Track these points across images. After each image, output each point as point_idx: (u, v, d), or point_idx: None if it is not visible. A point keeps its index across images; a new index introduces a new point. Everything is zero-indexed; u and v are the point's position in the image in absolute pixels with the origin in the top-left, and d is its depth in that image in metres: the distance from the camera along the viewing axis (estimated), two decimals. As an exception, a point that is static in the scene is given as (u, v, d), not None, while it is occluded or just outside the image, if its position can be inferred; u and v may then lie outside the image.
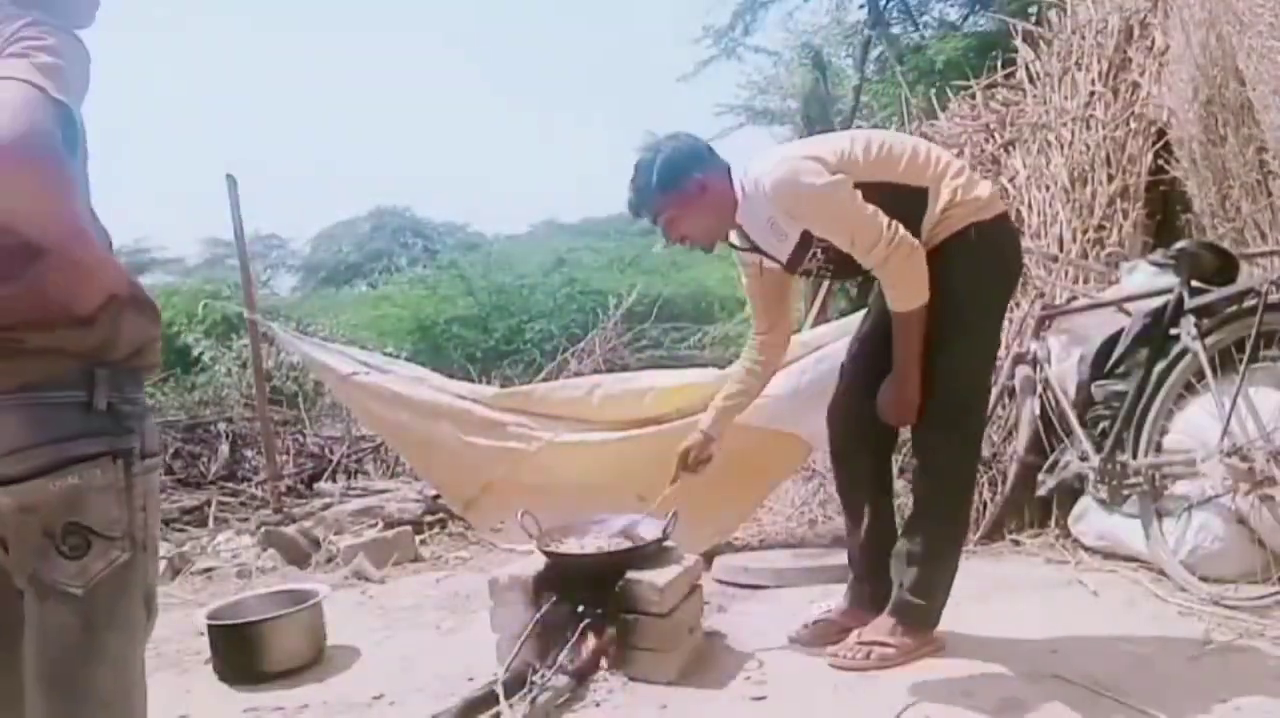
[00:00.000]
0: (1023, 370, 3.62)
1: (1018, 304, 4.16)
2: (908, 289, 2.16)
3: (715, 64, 13.80)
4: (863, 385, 2.39)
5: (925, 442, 2.30)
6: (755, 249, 2.43)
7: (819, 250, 2.28)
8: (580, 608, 2.32)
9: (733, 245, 2.50)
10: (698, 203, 2.31)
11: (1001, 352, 3.96)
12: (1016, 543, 3.48)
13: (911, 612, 2.33)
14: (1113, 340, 3.33)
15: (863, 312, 2.86)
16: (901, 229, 2.13)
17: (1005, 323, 4.11)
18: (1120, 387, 3.17)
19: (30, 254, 1.08)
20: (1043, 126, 4.77)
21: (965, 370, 2.28)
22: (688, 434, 3.42)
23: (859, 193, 2.15)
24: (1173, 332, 2.89)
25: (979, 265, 2.21)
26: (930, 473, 2.33)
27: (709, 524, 3.56)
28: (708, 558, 3.22)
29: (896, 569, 2.36)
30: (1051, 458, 3.46)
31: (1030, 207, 4.54)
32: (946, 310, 2.17)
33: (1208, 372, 2.69)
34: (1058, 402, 3.39)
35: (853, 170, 2.18)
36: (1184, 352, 2.81)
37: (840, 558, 3.24)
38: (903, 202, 2.19)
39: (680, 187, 2.29)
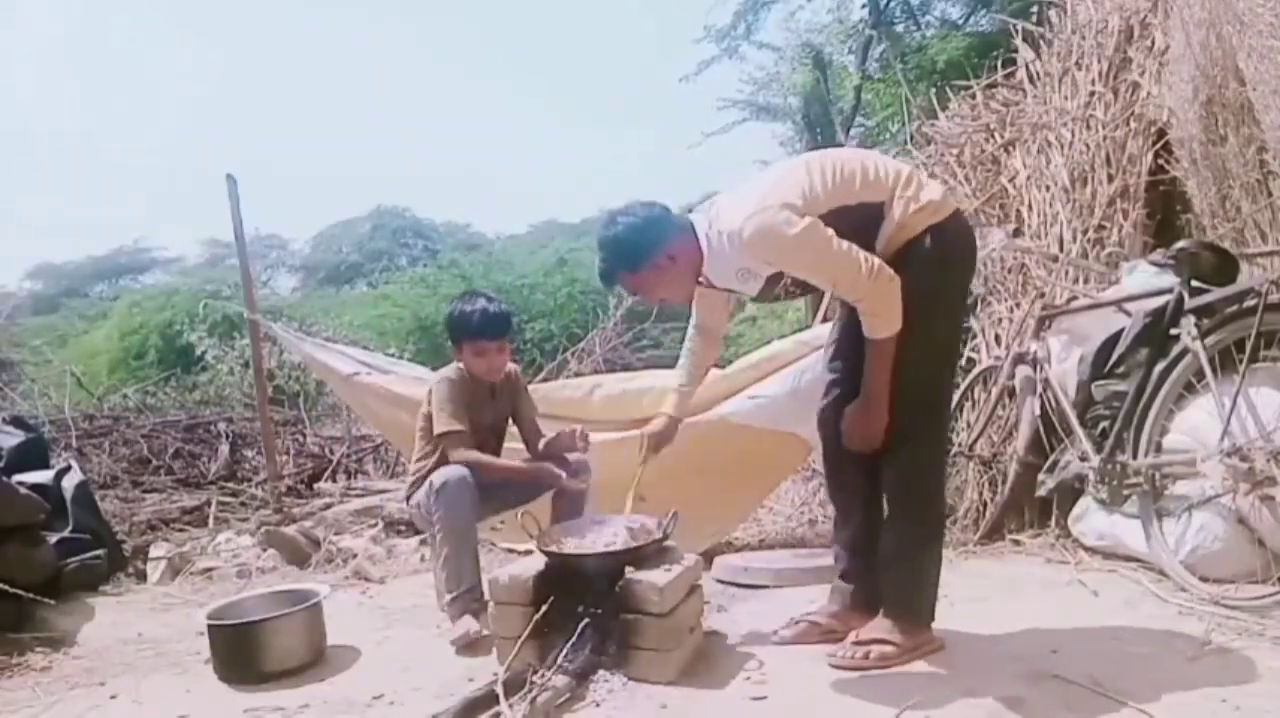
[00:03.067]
0: (1023, 370, 3.62)
1: (1017, 305, 4.16)
2: (885, 318, 2.18)
3: (717, 62, 13.81)
4: (849, 392, 2.39)
5: (893, 442, 2.31)
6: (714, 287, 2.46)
7: (789, 280, 2.31)
8: (580, 608, 2.32)
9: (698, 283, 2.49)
10: (667, 273, 2.34)
11: (1001, 351, 3.98)
12: (1016, 543, 3.48)
13: (902, 611, 2.35)
14: (1113, 340, 3.33)
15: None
16: (877, 261, 2.16)
17: (1006, 323, 4.14)
18: (1120, 387, 3.17)
19: None
20: (1043, 126, 4.78)
21: (929, 369, 2.30)
22: (688, 434, 3.44)
23: (831, 231, 2.16)
24: (1173, 332, 2.89)
25: (936, 268, 2.23)
26: (900, 473, 2.34)
27: (709, 524, 3.56)
28: (708, 558, 3.22)
29: (882, 571, 2.38)
30: (1051, 458, 3.46)
31: (1030, 207, 4.54)
32: (908, 314, 2.18)
33: (1208, 372, 2.69)
34: (1058, 402, 3.39)
35: (817, 206, 2.20)
36: (1184, 352, 2.81)
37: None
38: (862, 217, 2.23)
39: (648, 263, 2.31)
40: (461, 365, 2.97)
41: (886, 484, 2.36)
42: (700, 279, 2.42)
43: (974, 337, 4.25)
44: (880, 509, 2.43)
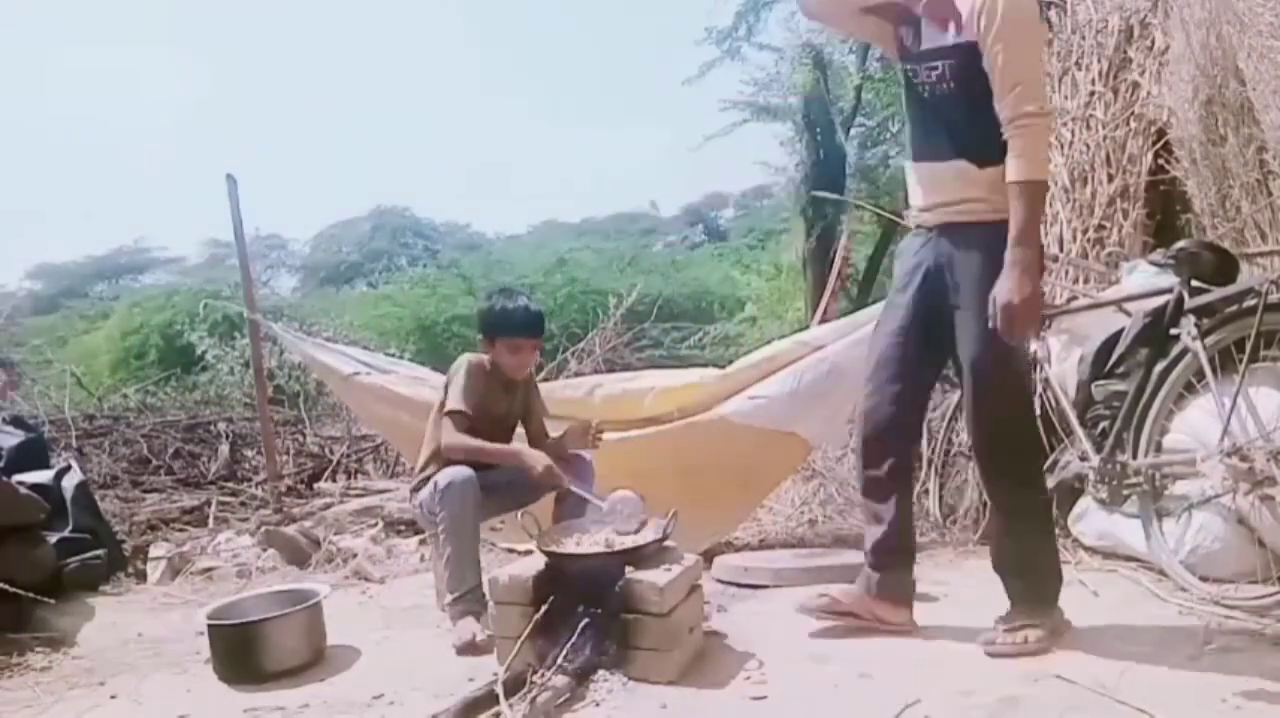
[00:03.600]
0: (1023, 370, 3.62)
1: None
2: (1036, 158, 2.19)
3: (719, 63, 13.79)
4: (899, 384, 2.48)
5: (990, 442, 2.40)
6: (909, 24, 2.38)
7: (947, 69, 2.28)
8: (580, 608, 2.32)
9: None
10: None
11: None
12: (1017, 543, 3.47)
13: (1027, 597, 2.44)
14: (1113, 340, 3.33)
15: (875, 307, 2.92)
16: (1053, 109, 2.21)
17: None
18: (1120, 387, 3.17)
19: None
20: (1043, 126, 4.77)
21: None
22: (688, 434, 3.44)
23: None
24: (1173, 332, 2.89)
25: None
26: (997, 466, 2.44)
27: (709, 524, 3.56)
28: (708, 558, 3.22)
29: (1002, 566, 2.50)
30: (1051, 458, 3.46)
31: (1030, 207, 4.54)
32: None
33: (1208, 372, 2.68)
34: (1058, 402, 3.38)
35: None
36: (1184, 352, 2.80)
37: (840, 558, 3.25)
38: None
39: None
40: (485, 359, 2.97)
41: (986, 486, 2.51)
42: None
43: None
44: (910, 501, 2.58)
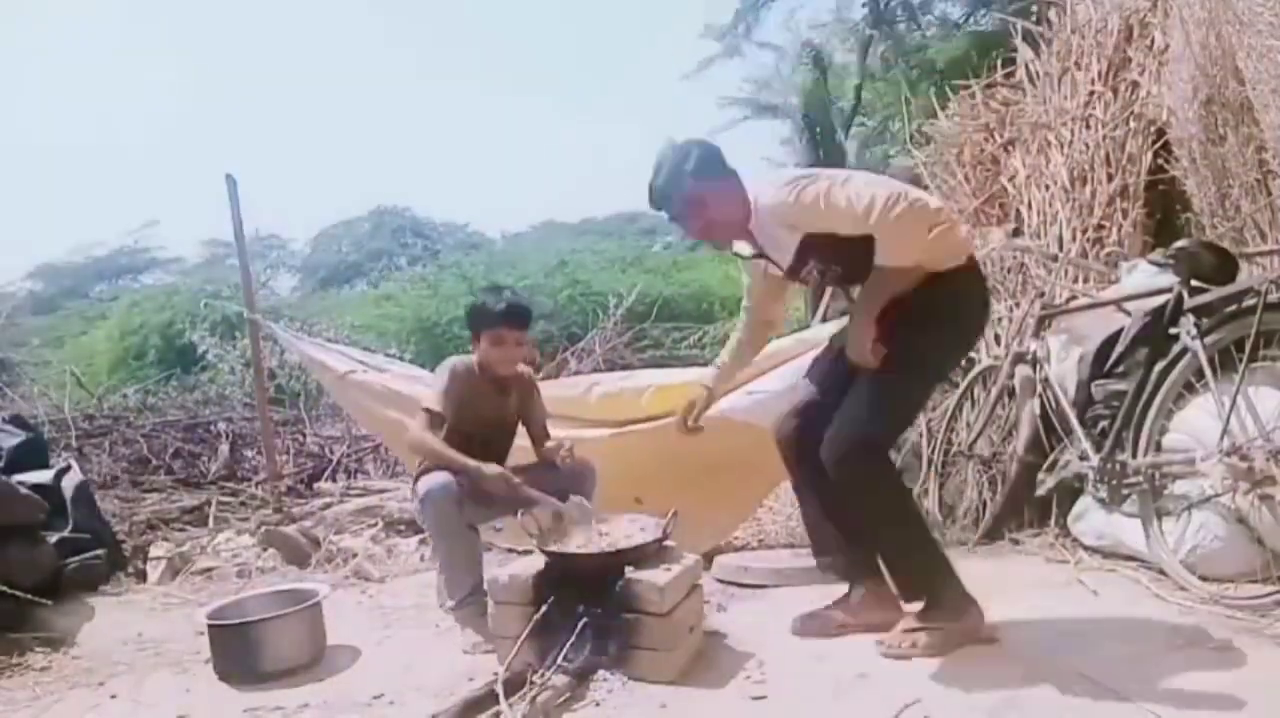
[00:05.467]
0: (1023, 370, 3.62)
1: (1017, 304, 4.16)
2: (896, 247, 2.23)
3: (718, 61, 13.83)
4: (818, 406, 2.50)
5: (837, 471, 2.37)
6: (761, 256, 2.55)
7: (815, 263, 2.41)
8: (580, 608, 2.32)
9: (738, 254, 2.63)
10: (725, 201, 2.42)
11: (1001, 351, 3.98)
12: (1016, 543, 3.48)
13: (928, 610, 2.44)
14: (1113, 340, 3.33)
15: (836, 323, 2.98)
16: (911, 194, 2.21)
17: (1006, 322, 4.14)
18: (1120, 386, 3.17)
19: None
20: (1042, 126, 4.77)
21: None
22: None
23: (855, 177, 2.26)
24: (1172, 331, 2.89)
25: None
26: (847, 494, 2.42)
27: (709, 524, 3.56)
28: (708, 558, 3.22)
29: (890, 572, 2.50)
30: (1051, 458, 3.46)
31: (1030, 206, 4.55)
32: (916, 339, 2.31)
33: (1207, 371, 2.69)
34: (1058, 401, 3.39)
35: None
36: (1184, 351, 2.80)
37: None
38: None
39: (712, 184, 2.40)
40: (473, 360, 2.98)
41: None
42: (749, 235, 2.49)
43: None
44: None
